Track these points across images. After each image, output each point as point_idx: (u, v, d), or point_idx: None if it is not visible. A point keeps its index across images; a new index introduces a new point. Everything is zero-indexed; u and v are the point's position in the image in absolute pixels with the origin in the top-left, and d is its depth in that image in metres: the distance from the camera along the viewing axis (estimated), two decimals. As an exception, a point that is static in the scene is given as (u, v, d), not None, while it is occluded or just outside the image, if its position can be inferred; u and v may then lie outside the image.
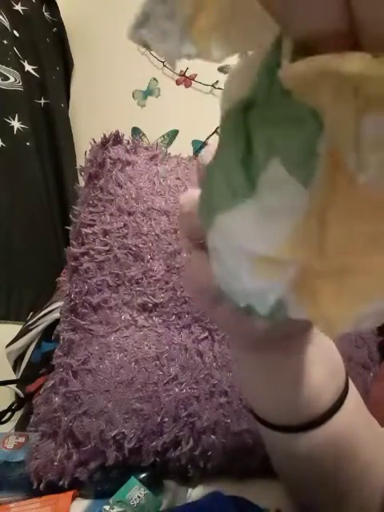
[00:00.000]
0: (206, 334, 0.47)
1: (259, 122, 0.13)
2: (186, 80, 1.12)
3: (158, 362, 0.46)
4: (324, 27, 0.11)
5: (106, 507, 0.37)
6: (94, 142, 0.56)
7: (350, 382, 0.27)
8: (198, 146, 1.09)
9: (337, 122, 0.11)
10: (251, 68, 0.13)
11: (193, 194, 0.20)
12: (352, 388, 0.27)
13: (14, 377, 0.80)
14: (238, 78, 0.14)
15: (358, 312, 0.14)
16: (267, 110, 0.12)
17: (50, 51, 1.27)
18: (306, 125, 0.12)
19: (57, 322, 0.59)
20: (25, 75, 1.17)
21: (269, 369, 0.25)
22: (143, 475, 0.42)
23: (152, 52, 1.18)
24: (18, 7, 1.18)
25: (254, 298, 0.16)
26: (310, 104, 0.11)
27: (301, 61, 0.11)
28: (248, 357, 0.26)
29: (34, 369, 0.74)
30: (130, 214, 0.52)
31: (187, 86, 1.13)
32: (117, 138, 0.56)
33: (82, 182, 0.57)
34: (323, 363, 0.26)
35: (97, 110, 1.30)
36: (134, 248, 0.50)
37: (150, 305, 0.49)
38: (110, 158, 0.55)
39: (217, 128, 0.98)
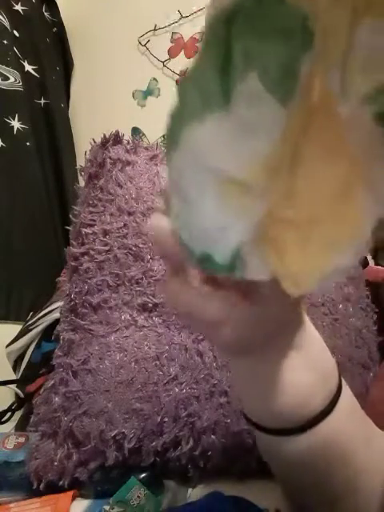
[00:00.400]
0: (206, 334, 0.47)
1: (243, 32, 0.12)
2: (186, 80, 1.12)
3: (157, 362, 0.46)
4: None
5: (106, 507, 0.37)
6: (94, 141, 0.56)
7: (345, 385, 0.27)
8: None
9: (329, 30, 0.11)
10: None
11: (158, 219, 0.18)
12: (346, 391, 0.27)
13: (14, 377, 0.80)
14: None
15: (324, 265, 0.14)
16: (255, 19, 0.12)
17: (50, 51, 1.27)
18: (294, 38, 0.11)
19: (57, 321, 0.59)
20: (25, 75, 1.17)
21: (250, 373, 0.25)
22: (143, 475, 0.42)
23: (152, 52, 1.17)
24: (18, 7, 1.18)
25: (214, 241, 0.14)
26: (304, 9, 0.11)
27: None
28: (232, 360, 0.26)
29: (34, 369, 0.73)
30: (129, 213, 0.52)
31: (187, 86, 1.13)
32: (117, 138, 0.56)
33: (82, 182, 0.57)
34: (313, 368, 0.25)
35: (97, 110, 1.30)
36: (133, 248, 0.50)
37: (150, 305, 0.49)
38: (110, 157, 0.55)
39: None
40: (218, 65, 0.12)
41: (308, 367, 0.25)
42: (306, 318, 0.26)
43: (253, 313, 0.21)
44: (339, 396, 0.26)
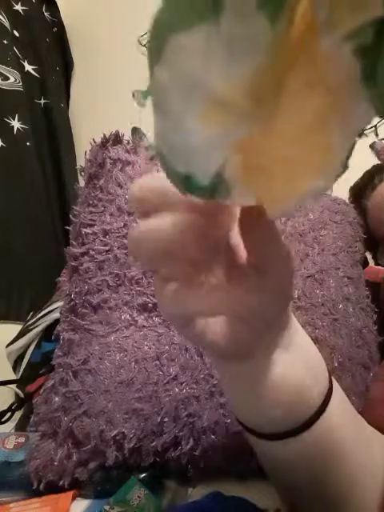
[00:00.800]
0: (206, 334, 0.47)
1: None
2: (186, 80, 1.12)
3: (157, 362, 0.46)
4: None
5: (106, 507, 0.37)
6: (94, 141, 0.56)
7: (335, 385, 0.27)
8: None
9: None
10: None
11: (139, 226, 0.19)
12: (337, 390, 0.27)
13: (14, 377, 0.80)
14: None
15: (300, 189, 0.15)
16: None
17: (50, 51, 1.27)
18: None
19: (57, 322, 0.59)
20: (25, 75, 1.17)
21: (241, 377, 0.25)
22: (143, 475, 0.42)
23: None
24: (18, 7, 1.18)
25: (196, 160, 0.14)
26: None
27: None
28: (219, 365, 0.25)
29: (34, 369, 0.74)
30: (130, 213, 0.52)
31: (187, 85, 1.13)
32: (117, 138, 0.56)
33: (82, 182, 0.57)
34: (303, 365, 0.25)
35: (97, 110, 1.30)
36: (133, 248, 0.50)
37: (150, 305, 0.49)
38: (110, 158, 0.55)
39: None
40: None
41: (298, 365, 0.25)
42: (293, 318, 0.26)
43: (245, 308, 0.21)
44: (331, 394, 0.26)
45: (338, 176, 0.15)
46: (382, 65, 0.12)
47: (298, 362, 0.25)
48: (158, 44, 0.13)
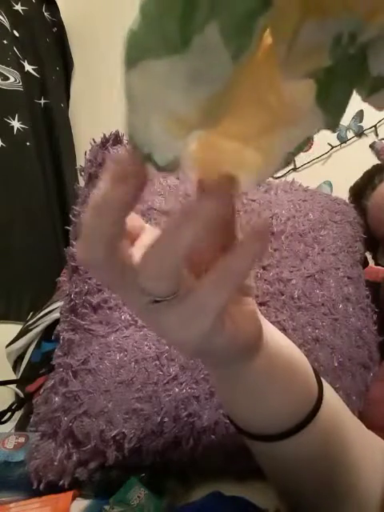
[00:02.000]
0: (206, 334, 0.47)
1: None
2: (185, 80, 1.12)
3: (157, 362, 0.46)
4: None
5: (106, 507, 0.37)
6: (94, 141, 0.56)
7: (323, 380, 0.27)
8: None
9: (282, 11, 0.12)
10: None
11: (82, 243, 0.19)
12: (324, 381, 0.27)
13: (14, 377, 0.80)
14: None
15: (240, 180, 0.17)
16: None
17: (50, 51, 1.27)
18: None
19: (57, 322, 0.59)
20: (25, 75, 1.17)
21: (247, 377, 0.24)
22: (143, 475, 0.42)
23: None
24: (18, 7, 1.18)
25: (156, 149, 0.16)
26: None
27: None
28: (229, 371, 0.25)
29: (34, 369, 0.74)
30: (129, 214, 0.52)
31: (187, 85, 1.13)
32: (117, 138, 0.56)
33: (82, 182, 0.57)
34: (288, 372, 0.25)
35: (97, 110, 1.30)
36: (133, 248, 0.50)
37: (150, 305, 0.49)
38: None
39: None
40: (181, 8, 0.12)
41: (286, 371, 0.25)
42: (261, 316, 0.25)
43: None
44: (320, 377, 0.26)
45: (273, 173, 0.18)
46: (335, 88, 0.14)
47: (283, 368, 0.25)
48: (132, 55, 0.14)
